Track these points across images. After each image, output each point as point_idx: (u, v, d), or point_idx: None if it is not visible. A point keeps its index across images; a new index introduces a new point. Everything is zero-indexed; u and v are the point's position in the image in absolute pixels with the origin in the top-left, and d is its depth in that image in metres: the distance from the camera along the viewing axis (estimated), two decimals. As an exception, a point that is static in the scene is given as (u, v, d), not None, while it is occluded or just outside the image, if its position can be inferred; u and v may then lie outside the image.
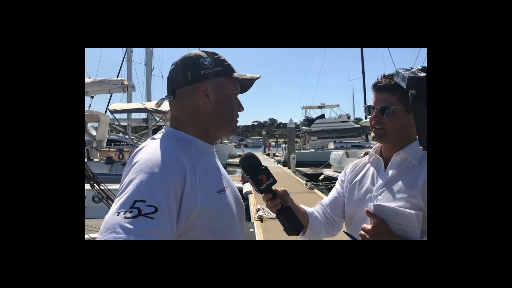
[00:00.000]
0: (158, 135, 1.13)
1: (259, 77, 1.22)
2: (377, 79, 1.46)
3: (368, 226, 1.32)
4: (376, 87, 1.44)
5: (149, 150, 1.02)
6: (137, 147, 1.11)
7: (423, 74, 1.09)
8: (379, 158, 1.51)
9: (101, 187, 4.47)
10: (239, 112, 1.23)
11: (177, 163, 1.00)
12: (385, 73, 1.45)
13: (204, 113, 1.15)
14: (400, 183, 1.38)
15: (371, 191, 1.46)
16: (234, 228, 1.13)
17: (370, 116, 1.45)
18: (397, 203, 1.33)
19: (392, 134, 1.41)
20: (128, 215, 0.85)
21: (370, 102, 1.47)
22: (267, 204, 1.34)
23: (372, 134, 1.45)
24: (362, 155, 1.68)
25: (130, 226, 0.83)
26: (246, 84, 1.24)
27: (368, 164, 1.56)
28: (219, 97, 1.15)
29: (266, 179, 1.28)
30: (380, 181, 1.44)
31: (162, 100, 1.24)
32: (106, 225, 0.85)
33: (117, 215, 0.86)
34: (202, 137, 1.16)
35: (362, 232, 1.33)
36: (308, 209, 1.60)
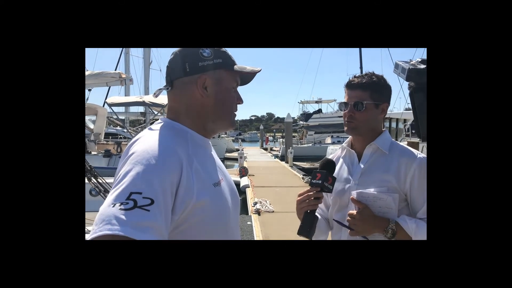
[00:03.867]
0: (155, 126, 1.12)
1: (260, 70, 1.20)
2: (349, 78, 1.65)
3: (354, 212, 1.51)
4: (350, 85, 1.62)
5: (146, 141, 1.01)
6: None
7: (423, 66, 1.10)
8: (351, 151, 1.68)
9: (99, 180, 4.46)
10: (238, 105, 1.21)
11: (173, 155, 0.98)
12: (356, 74, 1.65)
13: (201, 105, 1.13)
14: (375, 170, 1.57)
15: (349, 181, 1.62)
16: (229, 221, 1.11)
17: (344, 112, 1.62)
18: (375, 189, 1.51)
19: (363, 127, 1.59)
20: (124, 206, 0.84)
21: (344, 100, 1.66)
22: (308, 196, 1.46)
23: (345, 127, 1.63)
24: None
25: (126, 218, 0.82)
26: (246, 76, 1.21)
27: (342, 158, 1.72)
28: (217, 90, 1.13)
29: (331, 183, 1.46)
30: (357, 171, 1.61)
31: (160, 91, 1.22)
32: (101, 216, 0.84)
33: (113, 206, 0.84)
34: (198, 130, 1.14)
35: (349, 218, 1.52)
36: None
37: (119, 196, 0.87)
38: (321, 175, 1.45)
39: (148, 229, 0.84)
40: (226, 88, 1.15)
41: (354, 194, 1.53)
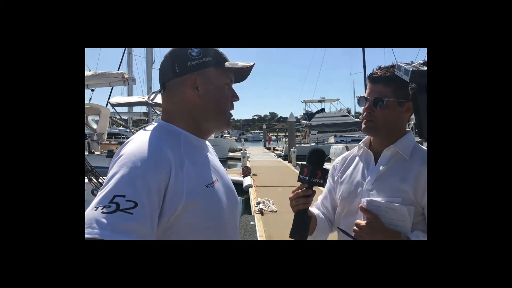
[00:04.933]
0: (149, 127, 1.11)
1: (253, 65, 1.16)
2: (373, 70, 1.45)
3: (362, 222, 1.33)
4: (371, 78, 1.43)
5: (135, 144, 1.00)
6: None
7: (425, 68, 1.10)
8: (369, 151, 1.50)
9: (100, 180, 4.47)
10: (235, 103, 1.19)
11: (161, 157, 0.97)
12: (381, 65, 1.45)
13: (194, 106, 1.11)
14: (391, 177, 1.38)
15: (361, 185, 1.45)
16: (224, 222, 1.10)
17: (363, 107, 1.44)
18: (388, 198, 1.34)
19: (383, 127, 1.40)
20: (106, 210, 0.83)
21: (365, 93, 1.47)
22: (297, 195, 1.32)
23: (363, 126, 1.45)
24: None
25: (106, 221, 0.82)
26: (241, 73, 1.19)
27: (357, 157, 1.55)
28: (208, 89, 1.11)
29: (321, 177, 1.30)
30: (371, 176, 1.43)
31: (154, 94, 1.23)
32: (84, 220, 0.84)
33: (95, 209, 0.84)
34: (192, 131, 1.13)
35: (355, 228, 1.35)
36: (314, 211, 1.58)
37: (102, 199, 0.87)
38: (307, 170, 1.30)
39: (130, 232, 0.83)
40: (218, 86, 1.14)
41: (364, 202, 1.36)
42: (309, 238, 1.48)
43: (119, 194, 0.87)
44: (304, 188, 1.32)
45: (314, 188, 1.33)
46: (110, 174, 0.93)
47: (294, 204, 1.33)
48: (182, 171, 0.99)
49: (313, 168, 1.30)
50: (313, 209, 1.61)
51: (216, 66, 1.12)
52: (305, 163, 1.34)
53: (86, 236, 0.80)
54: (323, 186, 1.33)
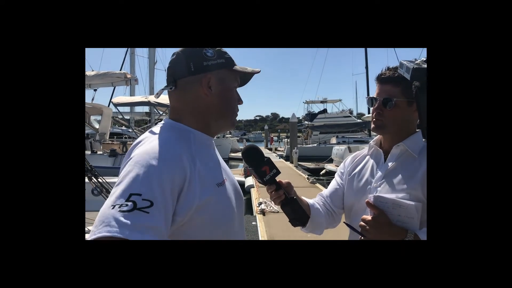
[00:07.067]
0: (158, 127, 1.11)
1: (259, 71, 1.22)
2: (381, 70, 1.47)
3: (368, 217, 1.33)
4: (380, 78, 1.45)
5: (149, 144, 1.00)
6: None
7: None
8: (379, 149, 1.52)
9: (99, 180, 4.46)
10: (238, 106, 1.22)
11: (175, 158, 0.98)
12: (389, 65, 1.47)
13: (206, 104, 1.13)
14: (399, 174, 1.40)
15: (370, 182, 1.47)
16: (234, 221, 1.12)
17: (372, 108, 1.46)
18: (396, 195, 1.34)
19: (392, 126, 1.43)
20: (124, 208, 0.84)
21: (374, 94, 1.49)
22: (271, 196, 1.36)
23: (372, 125, 1.47)
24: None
25: (125, 220, 0.82)
26: (245, 78, 1.25)
27: (368, 156, 1.58)
28: (221, 89, 1.14)
29: (270, 170, 1.28)
30: (379, 173, 1.46)
31: (161, 91, 1.22)
32: (101, 217, 0.84)
33: (112, 208, 0.84)
34: (202, 129, 1.15)
35: (362, 223, 1.35)
36: (309, 201, 1.60)
37: (119, 197, 0.87)
38: (255, 175, 1.30)
39: (147, 231, 0.84)
40: (229, 87, 1.17)
41: (371, 197, 1.36)
42: (306, 230, 1.53)
43: (135, 193, 0.87)
44: (268, 187, 1.34)
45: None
46: (123, 173, 0.93)
47: (275, 202, 1.38)
48: (195, 170, 1.00)
49: (256, 169, 1.28)
50: (309, 199, 1.62)
51: (229, 68, 1.16)
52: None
53: (105, 234, 0.80)
54: (278, 173, 1.32)
